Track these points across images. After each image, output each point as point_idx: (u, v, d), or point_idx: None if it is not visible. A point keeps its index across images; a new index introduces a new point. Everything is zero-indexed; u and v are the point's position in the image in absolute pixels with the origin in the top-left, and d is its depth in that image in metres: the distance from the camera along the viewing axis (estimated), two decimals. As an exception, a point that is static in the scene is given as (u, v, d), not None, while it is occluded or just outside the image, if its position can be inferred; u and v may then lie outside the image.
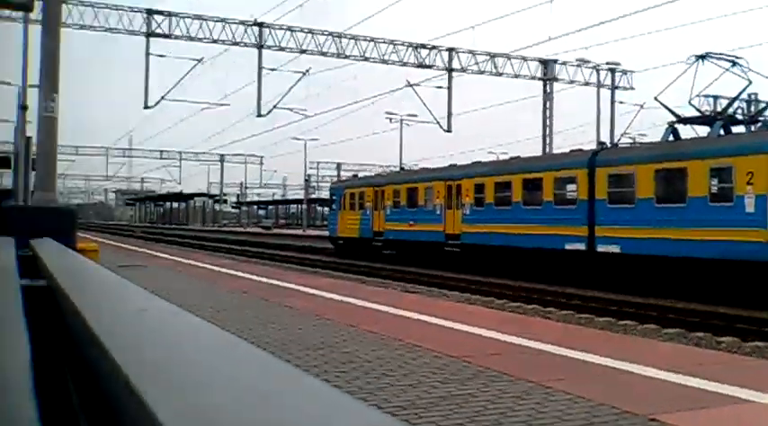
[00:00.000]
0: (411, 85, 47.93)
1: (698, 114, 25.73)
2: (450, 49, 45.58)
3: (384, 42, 44.28)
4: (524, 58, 46.77)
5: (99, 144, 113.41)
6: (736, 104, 27.01)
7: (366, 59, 44.18)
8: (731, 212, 19.57)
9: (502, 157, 47.48)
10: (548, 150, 46.74)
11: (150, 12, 40.31)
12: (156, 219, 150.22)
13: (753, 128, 23.86)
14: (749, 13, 44.78)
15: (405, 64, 45.00)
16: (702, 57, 24.69)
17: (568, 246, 24.99)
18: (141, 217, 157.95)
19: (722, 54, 24.94)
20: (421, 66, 45.37)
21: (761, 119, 27.21)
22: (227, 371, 1.07)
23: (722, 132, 23.00)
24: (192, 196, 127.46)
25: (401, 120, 67.92)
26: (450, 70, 45.90)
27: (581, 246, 24.55)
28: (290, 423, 0.78)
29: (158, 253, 28.03)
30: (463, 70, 46.25)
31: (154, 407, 0.83)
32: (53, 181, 10.91)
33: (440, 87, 46.54)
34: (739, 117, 25.88)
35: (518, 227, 27.29)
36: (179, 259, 24.42)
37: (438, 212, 32.76)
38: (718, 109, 34.64)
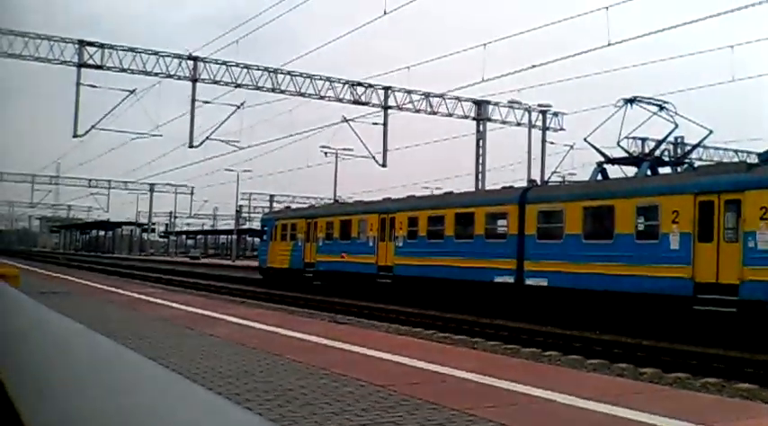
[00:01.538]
0: (347, 121, 48.14)
1: (626, 155, 26.38)
2: (387, 88, 45.94)
3: (320, 79, 44.39)
4: (458, 99, 47.48)
5: (25, 171, 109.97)
6: (663, 146, 27.80)
7: (302, 95, 44.16)
8: (657, 249, 20.03)
9: (436, 192, 47.90)
10: (480, 186, 47.36)
11: (82, 43, 39.61)
12: (81, 247, 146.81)
13: (679, 170, 24.56)
14: (676, 59, 46.49)
15: (341, 100, 45.12)
16: (631, 100, 25.35)
17: (497, 279, 25.23)
18: (66, 245, 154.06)
19: (650, 98, 25.66)
20: (357, 102, 45.56)
21: (687, 160, 28.06)
22: (113, 380, 1.05)
23: (649, 173, 23.59)
24: (119, 224, 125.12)
25: (336, 154, 67.97)
26: (385, 107, 46.26)
27: (510, 279, 24.81)
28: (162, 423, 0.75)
29: (82, 281, 27.28)
30: (399, 108, 46.67)
31: (22, 410, 0.83)
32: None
33: (376, 123, 46.86)
34: (666, 158, 26.61)
35: (449, 260, 27.47)
36: (103, 286, 23.82)
37: (371, 244, 32.73)
38: (646, 150, 35.67)
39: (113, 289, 22.32)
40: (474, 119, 48.77)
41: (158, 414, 0.82)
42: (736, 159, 52.98)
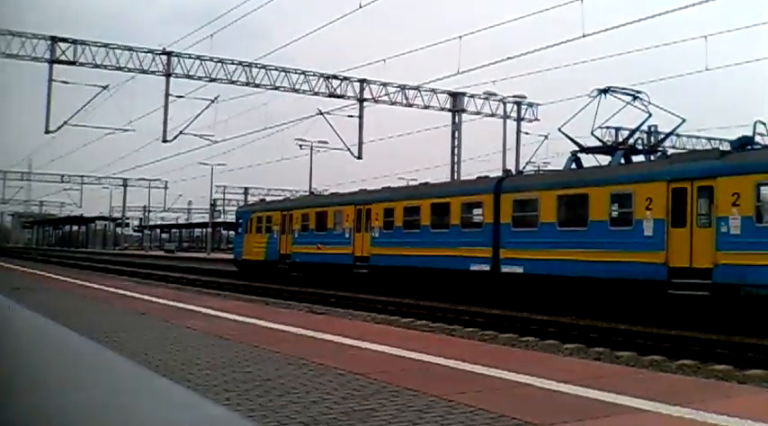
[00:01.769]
0: (322, 113, 48.02)
1: (600, 144, 26.57)
2: (362, 80, 45.85)
3: (295, 72, 44.21)
4: (434, 91, 47.52)
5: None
6: (636, 135, 28.00)
7: (277, 88, 43.96)
8: (631, 235, 20.24)
9: (412, 183, 47.96)
10: (456, 177, 47.48)
11: (54, 39, 39.13)
12: (54, 242, 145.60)
13: (652, 158, 24.77)
14: (650, 50, 46.85)
15: (316, 93, 44.97)
16: (605, 91, 25.52)
17: (474, 267, 25.38)
18: (39, 241, 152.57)
19: (624, 88, 25.85)
20: (332, 95, 45.43)
21: (660, 149, 28.29)
22: (79, 374, 1.04)
23: (623, 161, 23.80)
24: (92, 219, 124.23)
25: (311, 147, 67.80)
26: (361, 100, 46.18)
27: (486, 267, 24.97)
28: (137, 421, 0.74)
29: (56, 276, 27.04)
30: (374, 100, 46.61)
31: None
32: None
33: (351, 116, 46.79)
34: (639, 147, 26.83)
35: (426, 250, 27.58)
36: (77, 281, 23.62)
37: (347, 235, 32.77)
38: (620, 139, 35.90)
39: (88, 284, 22.14)
40: (449, 110, 48.84)
41: (129, 407, 0.81)
42: (708, 147, 53.52)
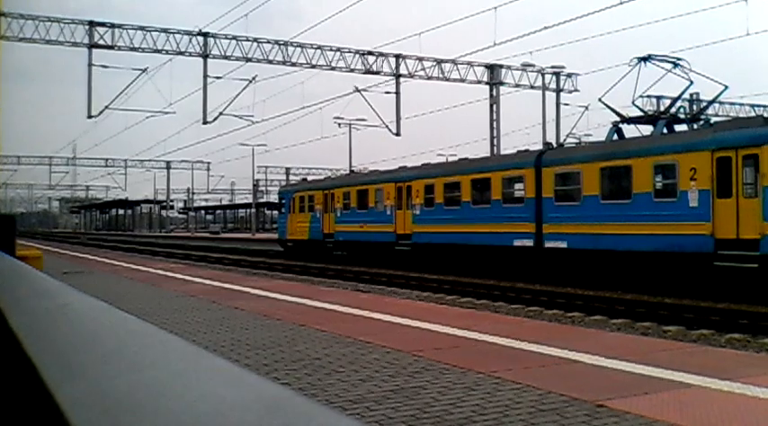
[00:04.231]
0: (359, 91, 47.99)
1: (641, 114, 26.16)
2: (398, 56, 45.66)
3: (331, 50, 44.14)
4: (470, 64, 47.13)
5: (42, 153, 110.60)
6: (678, 104, 27.51)
7: (313, 67, 43.95)
8: (675, 207, 19.98)
9: (451, 159, 47.78)
10: (495, 151, 47.17)
11: (92, 23, 39.55)
12: (101, 226, 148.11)
13: (695, 127, 24.35)
14: (691, 15, 45.89)
15: (352, 70, 44.84)
16: (645, 59, 25.08)
17: (517, 243, 25.29)
18: (86, 225, 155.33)
19: (664, 56, 25.39)
20: (368, 72, 45.30)
21: (702, 117, 27.78)
22: (136, 356, 1.09)
23: (665, 131, 23.43)
24: (138, 203, 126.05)
25: (350, 125, 67.79)
26: (397, 76, 45.99)
27: (529, 243, 24.87)
28: (192, 401, 0.78)
29: (105, 259, 27.56)
30: (411, 76, 46.38)
31: (52, 387, 0.85)
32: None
33: (388, 92, 46.67)
34: (682, 116, 26.39)
35: (467, 226, 27.54)
36: (126, 264, 24.06)
37: (389, 213, 32.87)
38: (661, 108, 35.36)
39: (136, 267, 22.54)
40: (487, 83, 48.42)
41: (184, 387, 0.85)
42: (753, 114, 52.42)
